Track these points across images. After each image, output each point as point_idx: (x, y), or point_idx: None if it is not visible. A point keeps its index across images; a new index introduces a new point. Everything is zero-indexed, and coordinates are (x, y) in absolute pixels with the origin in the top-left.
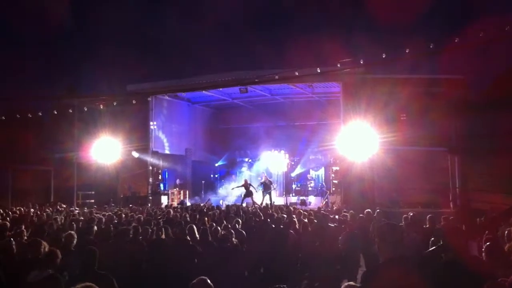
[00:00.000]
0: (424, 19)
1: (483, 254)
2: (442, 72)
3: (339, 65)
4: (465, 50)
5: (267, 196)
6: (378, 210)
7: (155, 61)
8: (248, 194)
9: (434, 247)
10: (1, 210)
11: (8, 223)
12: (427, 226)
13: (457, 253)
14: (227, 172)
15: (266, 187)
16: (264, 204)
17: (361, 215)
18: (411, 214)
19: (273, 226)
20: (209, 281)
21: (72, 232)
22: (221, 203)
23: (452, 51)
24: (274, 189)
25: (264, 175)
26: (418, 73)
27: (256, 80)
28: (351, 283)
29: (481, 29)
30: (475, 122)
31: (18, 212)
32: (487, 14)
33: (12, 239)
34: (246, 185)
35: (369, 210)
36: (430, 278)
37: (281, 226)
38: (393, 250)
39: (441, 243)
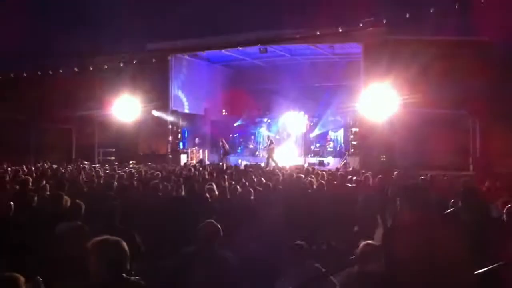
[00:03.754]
0: None
1: (504, 216)
2: (467, 34)
3: (361, 25)
4: (491, 11)
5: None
6: (397, 172)
7: (175, 20)
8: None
9: (454, 208)
10: (24, 166)
11: (30, 179)
12: (446, 188)
13: (477, 215)
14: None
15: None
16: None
17: (379, 176)
18: (430, 175)
19: (291, 186)
20: (215, 222)
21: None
22: (239, 162)
23: (478, 12)
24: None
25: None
26: (442, 35)
27: (276, 39)
28: (369, 241)
29: None
30: (498, 84)
31: (40, 168)
32: None
33: (34, 194)
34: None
35: (397, 171)
36: (451, 236)
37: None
38: (415, 209)
39: (461, 204)
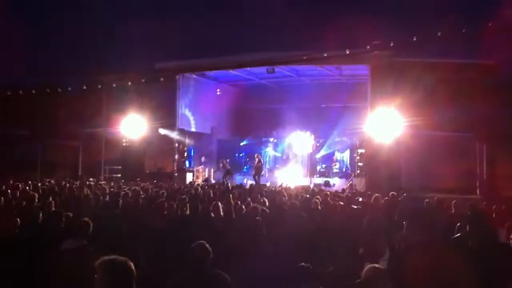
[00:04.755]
0: (457, 1)
1: (510, 242)
2: (474, 57)
3: (368, 47)
4: (498, 35)
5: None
6: (404, 194)
7: (183, 39)
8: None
9: (461, 233)
10: (31, 183)
11: (37, 195)
12: (453, 211)
13: (484, 240)
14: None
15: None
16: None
17: (386, 198)
18: (436, 198)
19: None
20: (207, 245)
21: None
22: (245, 182)
23: (484, 36)
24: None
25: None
26: (449, 58)
27: (284, 60)
28: (375, 265)
29: None
30: (505, 108)
31: (47, 185)
32: None
33: (39, 210)
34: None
35: (393, 193)
36: (459, 262)
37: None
38: (422, 233)
39: (468, 229)
